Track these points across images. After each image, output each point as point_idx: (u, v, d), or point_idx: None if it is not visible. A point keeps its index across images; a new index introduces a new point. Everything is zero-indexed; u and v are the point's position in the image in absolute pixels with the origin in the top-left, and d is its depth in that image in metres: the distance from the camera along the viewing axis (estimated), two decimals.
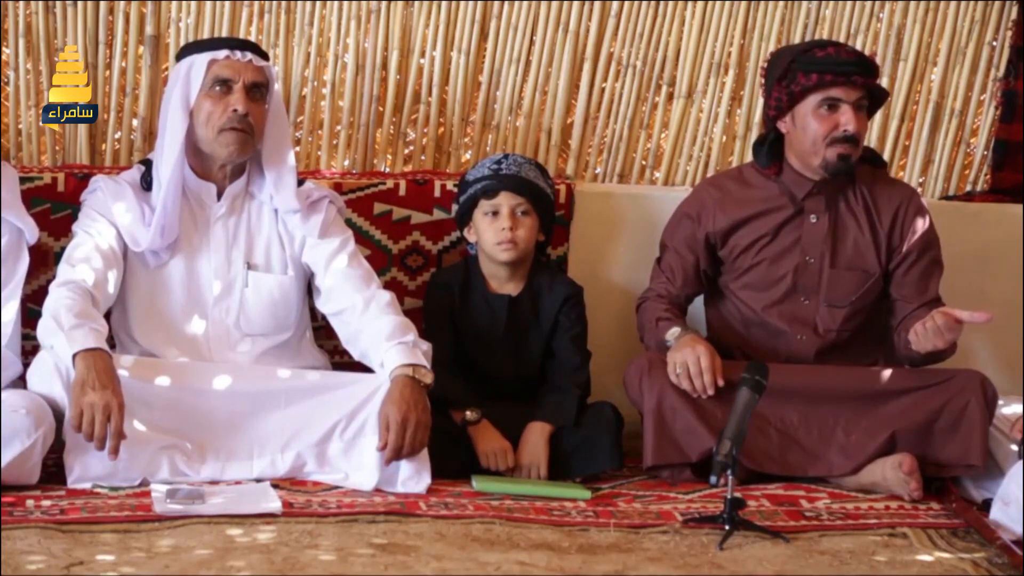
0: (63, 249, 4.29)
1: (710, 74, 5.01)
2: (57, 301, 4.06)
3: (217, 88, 4.22)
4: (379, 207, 4.72)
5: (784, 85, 4.37)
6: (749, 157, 5.03)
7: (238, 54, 4.24)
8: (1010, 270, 4.93)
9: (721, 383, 4.21)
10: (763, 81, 4.48)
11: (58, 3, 4.68)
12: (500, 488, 4.13)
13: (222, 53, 4.24)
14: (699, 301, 4.60)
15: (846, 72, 4.31)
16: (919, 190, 4.83)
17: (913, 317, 4.36)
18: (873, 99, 4.40)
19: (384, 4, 4.84)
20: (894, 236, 4.45)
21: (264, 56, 4.32)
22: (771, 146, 4.46)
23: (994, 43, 5.10)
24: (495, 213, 4.44)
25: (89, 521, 3.68)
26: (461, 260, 4.61)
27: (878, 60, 4.98)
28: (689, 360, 4.22)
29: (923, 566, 3.69)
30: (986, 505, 4.10)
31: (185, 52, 4.31)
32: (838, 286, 4.44)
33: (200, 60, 4.23)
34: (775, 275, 4.45)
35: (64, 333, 3.96)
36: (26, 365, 4.18)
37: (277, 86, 4.35)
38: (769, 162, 4.46)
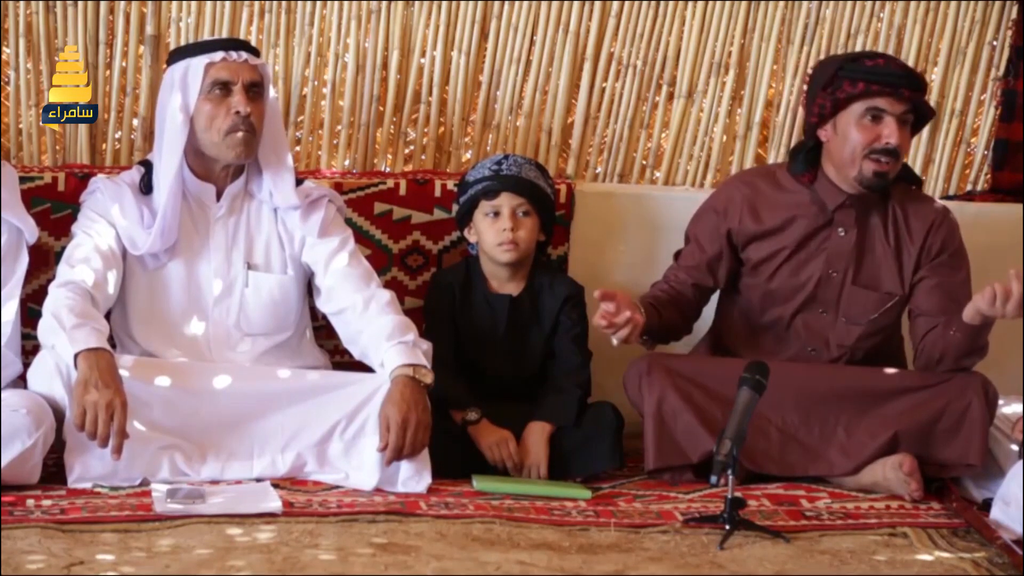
0: (63, 249, 4.28)
1: (710, 74, 5.01)
2: (57, 301, 4.06)
3: (216, 91, 4.22)
4: (379, 207, 4.72)
5: (829, 92, 4.29)
6: (749, 157, 5.06)
7: (234, 54, 4.23)
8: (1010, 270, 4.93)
9: None
10: (806, 89, 4.40)
11: (58, 3, 4.68)
12: (500, 488, 4.12)
13: (218, 55, 4.22)
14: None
15: (893, 83, 4.25)
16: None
17: (935, 332, 4.30)
18: (919, 116, 4.33)
19: (384, 4, 4.84)
20: (923, 256, 4.38)
21: (257, 54, 4.31)
22: (808, 154, 4.39)
23: (994, 43, 5.10)
24: (496, 214, 4.44)
25: (89, 521, 3.68)
26: (462, 260, 4.61)
27: None
28: None
29: (923, 566, 3.69)
30: (986, 505, 4.10)
31: (177, 56, 4.29)
32: (858, 303, 4.39)
33: (196, 64, 4.22)
34: (796, 284, 4.40)
35: (66, 333, 3.96)
36: (26, 365, 4.18)
37: (271, 85, 4.36)
38: (804, 170, 4.39)
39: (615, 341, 4.17)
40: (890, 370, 4.37)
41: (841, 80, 4.28)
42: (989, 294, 4.06)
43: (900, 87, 4.26)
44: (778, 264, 4.41)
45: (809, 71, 4.49)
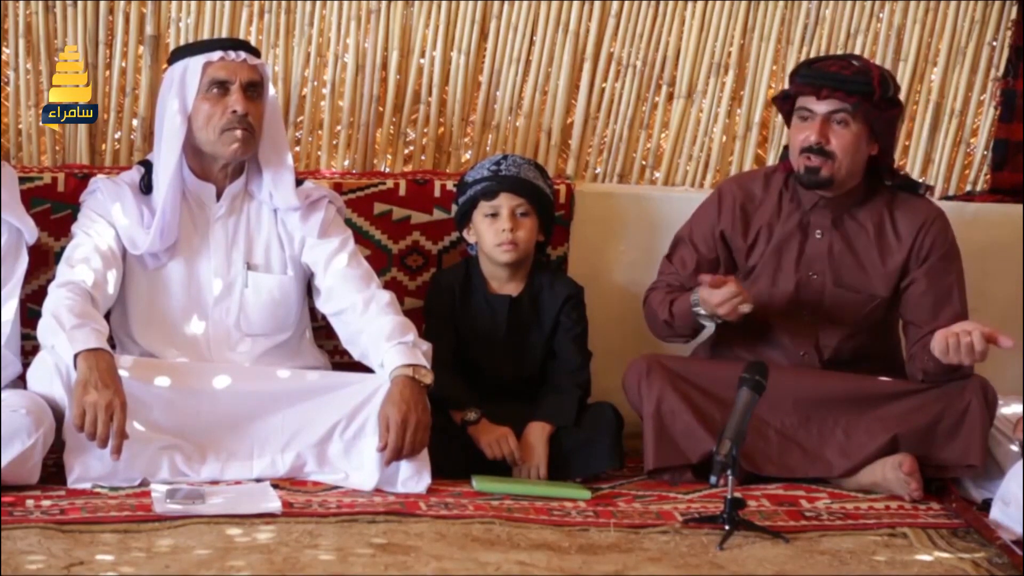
0: (63, 249, 4.29)
1: (710, 74, 5.01)
2: (57, 301, 4.06)
3: (214, 90, 4.22)
4: (379, 207, 4.72)
5: (782, 94, 4.39)
6: (749, 157, 5.06)
7: (232, 54, 4.24)
8: (1010, 270, 4.93)
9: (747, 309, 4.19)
10: None
11: (58, 3, 4.68)
12: (500, 488, 4.13)
13: (216, 54, 4.23)
14: None
15: (816, 84, 4.27)
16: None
17: (924, 343, 4.27)
18: (878, 116, 4.31)
19: (384, 4, 4.84)
20: (912, 257, 4.37)
21: (257, 54, 4.31)
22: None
23: (994, 43, 5.10)
24: (495, 215, 4.44)
25: (89, 521, 3.68)
26: (462, 260, 4.61)
27: (877, 60, 4.97)
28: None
29: (923, 566, 3.69)
30: (986, 505, 4.10)
31: (176, 56, 4.30)
32: (841, 305, 4.38)
33: (194, 63, 4.23)
34: (779, 288, 4.40)
35: (66, 333, 3.96)
36: (26, 365, 4.18)
37: (271, 84, 4.35)
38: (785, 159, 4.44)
39: (747, 308, 4.19)
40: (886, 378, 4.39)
41: (792, 81, 4.37)
42: (943, 344, 4.09)
43: (823, 87, 4.26)
44: (762, 266, 4.41)
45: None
